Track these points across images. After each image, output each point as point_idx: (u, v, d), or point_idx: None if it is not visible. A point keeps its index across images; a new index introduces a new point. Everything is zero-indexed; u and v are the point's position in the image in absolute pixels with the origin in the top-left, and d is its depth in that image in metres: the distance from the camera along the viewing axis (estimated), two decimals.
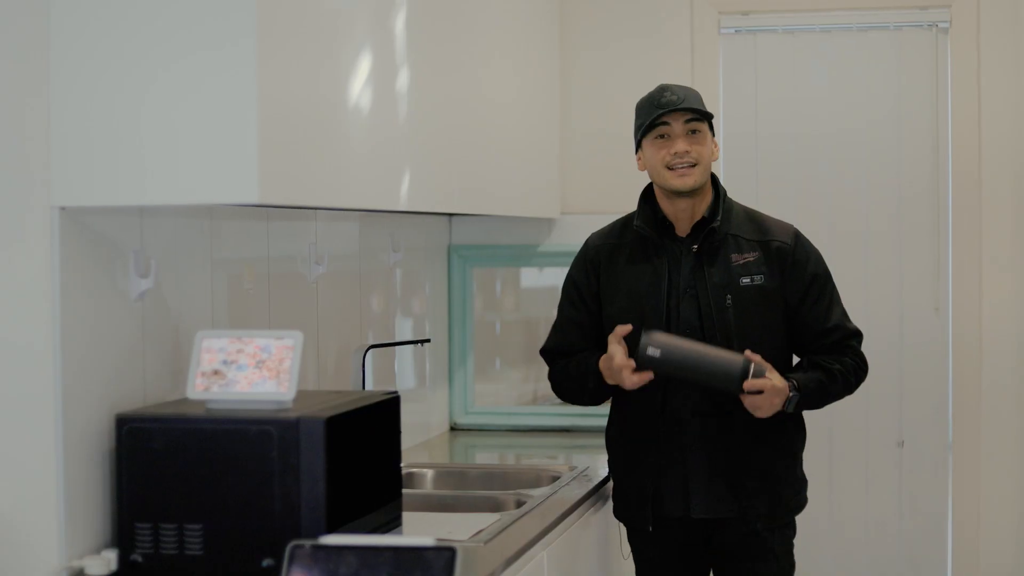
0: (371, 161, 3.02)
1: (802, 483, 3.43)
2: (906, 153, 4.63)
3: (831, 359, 3.33)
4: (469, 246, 4.70)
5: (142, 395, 2.72)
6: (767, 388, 3.17)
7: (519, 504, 3.40)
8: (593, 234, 3.52)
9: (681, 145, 3.28)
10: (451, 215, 4.65)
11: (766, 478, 3.32)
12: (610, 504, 3.83)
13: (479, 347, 4.73)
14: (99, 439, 2.59)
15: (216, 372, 2.57)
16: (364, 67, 2.96)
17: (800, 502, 3.42)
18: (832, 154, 4.68)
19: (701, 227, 3.33)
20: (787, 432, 3.36)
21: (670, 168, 3.29)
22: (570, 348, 3.41)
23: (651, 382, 3.23)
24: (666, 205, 3.36)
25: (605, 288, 3.38)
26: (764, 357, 3.21)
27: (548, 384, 3.94)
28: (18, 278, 2.48)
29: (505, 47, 4.16)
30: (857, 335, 3.38)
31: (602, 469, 3.90)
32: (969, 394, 4.60)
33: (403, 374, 4.26)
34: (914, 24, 4.61)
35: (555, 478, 3.75)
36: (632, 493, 3.39)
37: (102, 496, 2.60)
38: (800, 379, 3.27)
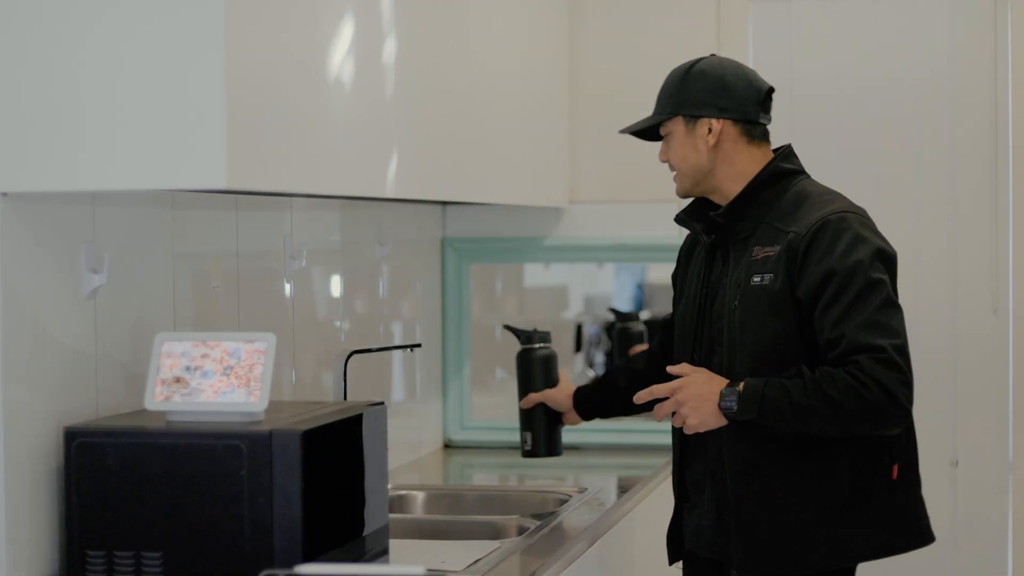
0: (354, 142, 3.02)
1: (813, 535, 3.11)
2: (961, 132, 4.63)
3: (819, 369, 3.04)
4: (465, 239, 4.70)
5: (94, 406, 2.72)
6: (658, 392, 3.13)
7: (521, 531, 3.41)
8: None
9: (660, 154, 3.34)
10: (445, 203, 4.66)
11: (749, 519, 3.13)
12: (625, 530, 3.84)
13: (477, 354, 4.73)
14: (45, 455, 2.59)
15: (178, 379, 2.58)
16: (346, 35, 2.96)
17: (804, 561, 3.11)
18: (878, 136, 4.69)
19: (713, 220, 3.26)
20: (800, 466, 3.11)
21: None
22: (670, 321, 3.48)
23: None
24: None
25: (677, 284, 3.43)
26: (774, 373, 3.05)
27: None
28: None
29: (507, 12, 4.16)
30: (872, 349, 2.99)
31: (615, 491, 3.91)
32: None
33: (390, 384, 4.26)
34: None
35: (562, 502, 3.76)
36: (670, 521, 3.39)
37: (49, 520, 2.60)
38: (753, 379, 3.05)
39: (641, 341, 4.96)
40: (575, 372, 5.34)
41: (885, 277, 3.07)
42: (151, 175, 2.46)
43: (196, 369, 2.58)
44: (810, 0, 4.70)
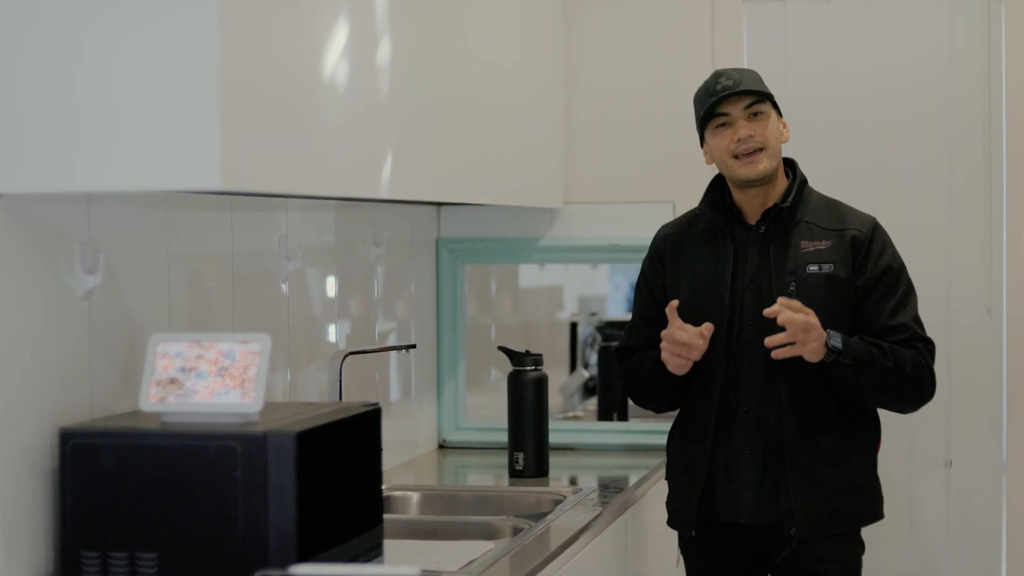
0: (349, 143, 3.02)
1: (861, 493, 3.53)
2: (955, 134, 4.64)
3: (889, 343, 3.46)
4: (460, 240, 4.70)
5: (89, 407, 2.72)
6: (794, 306, 3.33)
7: (516, 531, 3.41)
8: (664, 224, 3.74)
9: (743, 130, 3.47)
10: (440, 204, 4.65)
11: (808, 481, 3.46)
12: (620, 531, 3.84)
13: (472, 354, 4.73)
14: (40, 456, 2.59)
15: (172, 381, 2.58)
16: (341, 36, 2.96)
17: (856, 514, 3.53)
18: (872, 138, 4.68)
19: (771, 212, 3.52)
20: (844, 434, 3.50)
21: (736, 157, 3.48)
22: (643, 345, 3.62)
23: (710, 375, 3.48)
24: (737, 194, 3.56)
25: (670, 280, 3.60)
26: None
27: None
28: None
29: (502, 12, 4.16)
30: (928, 342, 3.51)
31: (610, 492, 3.92)
32: None
33: (385, 384, 4.26)
34: None
35: (557, 502, 3.76)
36: (682, 496, 3.59)
37: (43, 520, 2.60)
38: (845, 336, 3.39)
39: None
40: (570, 371, 5.35)
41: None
42: (146, 176, 2.46)
43: (191, 370, 2.58)
44: (804, 1, 4.70)
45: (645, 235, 4.65)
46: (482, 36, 3.97)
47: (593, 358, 5.24)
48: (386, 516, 2.96)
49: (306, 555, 2.51)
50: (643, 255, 4.85)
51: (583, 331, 5.38)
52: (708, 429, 3.51)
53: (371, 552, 2.80)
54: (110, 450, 2.53)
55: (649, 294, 3.64)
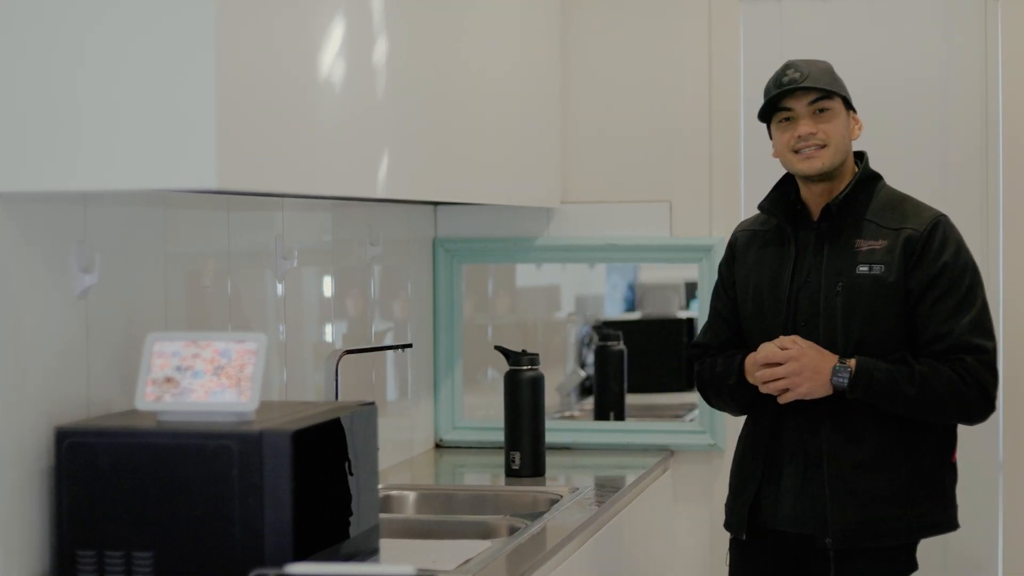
0: (345, 142, 3.03)
1: (909, 504, 3.42)
2: (952, 134, 4.64)
3: (924, 360, 3.37)
4: (457, 239, 4.70)
5: (85, 405, 2.73)
6: (775, 357, 3.36)
7: (512, 531, 3.41)
8: (741, 221, 3.74)
9: (805, 127, 3.44)
10: (437, 204, 4.66)
11: (845, 490, 3.40)
12: (617, 530, 3.84)
13: (469, 354, 4.73)
14: (36, 455, 2.59)
15: (169, 379, 2.58)
16: (337, 36, 2.97)
17: (900, 526, 3.42)
18: (868, 137, 4.67)
19: (827, 209, 3.48)
20: (888, 442, 3.41)
21: (796, 152, 3.45)
22: (719, 343, 3.62)
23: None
24: (803, 190, 3.54)
25: (739, 279, 3.60)
26: (875, 355, 3.35)
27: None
28: None
29: (499, 12, 4.17)
30: (979, 350, 3.36)
31: (606, 491, 3.92)
32: (1022, 406, 4.61)
33: (382, 384, 4.26)
34: None
35: (554, 501, 3.76)
36: (735, 499, 3.58)
37: (39, 519, 2.60)
38: (863, 359, 3.35)
39: (620, 360, 4.97)
40: (567, 371, 5.35)
41: (982, 282, 3.48)
42: (143, 175, 2.47)
43: (187, 369, 2.58)
44: (801, 1, 4.70)
45: (642, 235, 4.68)
46: (479, 35, 3.97)
47: (590, 357, 5.24)
48: (382, 515, 2.96)
49: (302, 554, 2.52)
50: (639, 254, 4.85)
51: (580, 330, 5.39)
52: (761, 434, 3.51)
53: (367, 551, 2.80)
54: (106, 449, 2.53)
55: (724, 292, 3.64)
